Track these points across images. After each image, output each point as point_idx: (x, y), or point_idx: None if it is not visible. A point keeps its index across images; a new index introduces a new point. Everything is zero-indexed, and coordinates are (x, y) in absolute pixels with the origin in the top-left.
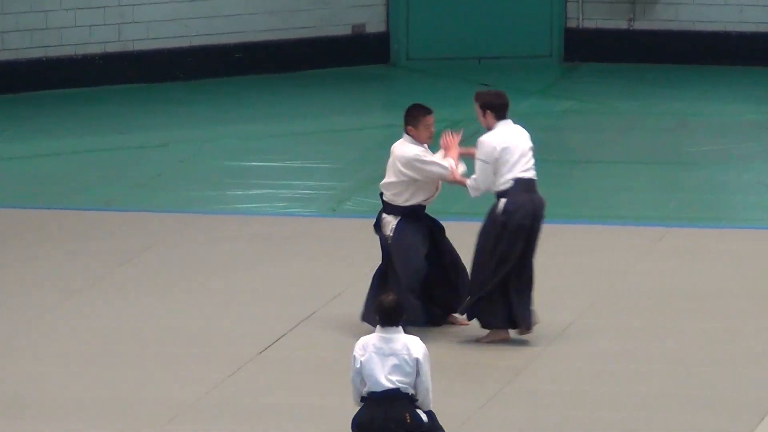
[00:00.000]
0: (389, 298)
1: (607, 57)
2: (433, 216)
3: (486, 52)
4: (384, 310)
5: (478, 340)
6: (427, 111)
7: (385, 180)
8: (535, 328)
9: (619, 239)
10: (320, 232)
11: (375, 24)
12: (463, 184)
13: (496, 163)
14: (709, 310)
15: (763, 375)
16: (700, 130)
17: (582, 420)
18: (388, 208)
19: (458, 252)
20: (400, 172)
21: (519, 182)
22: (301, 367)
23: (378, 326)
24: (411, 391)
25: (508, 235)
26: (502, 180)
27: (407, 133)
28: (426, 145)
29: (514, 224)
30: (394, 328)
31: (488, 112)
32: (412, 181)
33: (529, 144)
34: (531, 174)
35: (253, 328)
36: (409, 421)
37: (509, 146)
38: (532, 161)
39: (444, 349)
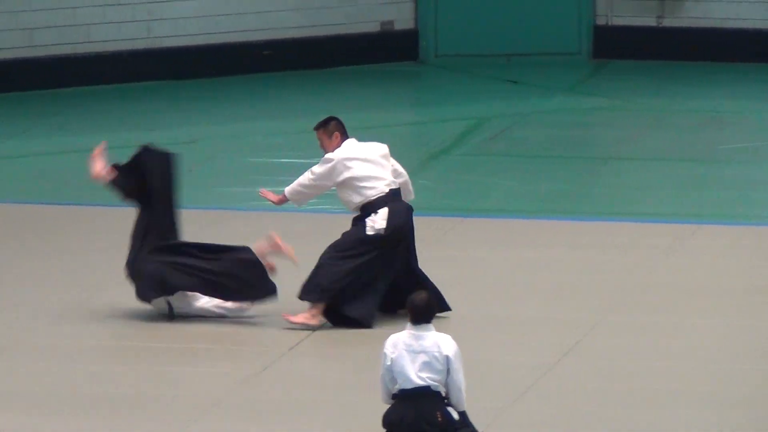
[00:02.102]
0: (420, 295)
1: (636, 54)
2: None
3: (515, 49)
4: (415, 307)
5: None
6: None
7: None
8: (565, 326)
9: (649, 236)
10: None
11: (403, 21)
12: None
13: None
14: (739, 307)
15: None
16: (729, 128)
17: (609, 417)
18: None
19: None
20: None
21: None
22: (331, 364)
23: (409, 323)
24: (442, 390)
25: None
26: None
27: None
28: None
29: None
30: (425, 325)
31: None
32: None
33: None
34: None
35: (282, 325)
36: (440, 419)
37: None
38: None
39: (473, 346)
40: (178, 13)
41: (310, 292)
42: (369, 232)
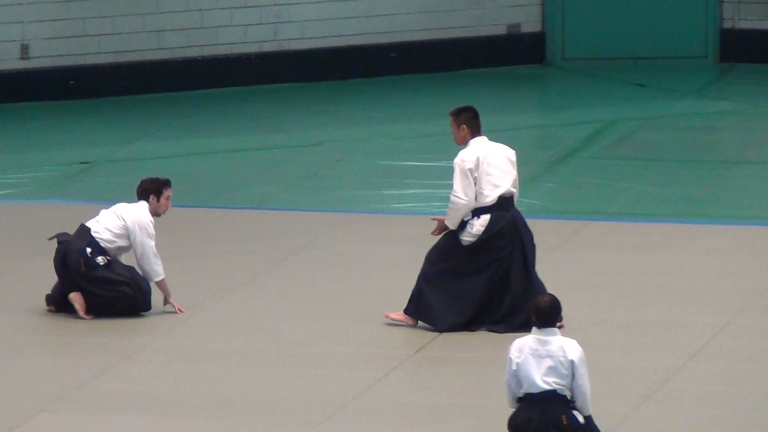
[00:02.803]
0: (545, 299)
1: (763, 58)
2: None
3: (641, 52)
4: (540, 310)
5: None
6: None
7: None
8: (691, 329)
9: None
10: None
11: (530, 24)
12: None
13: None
14: None
15: None
16: None
17: (736, 421)
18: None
19: None
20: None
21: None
22: (456, 367)
23: (534, 327)
24: (567, 393)
25: None
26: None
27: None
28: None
29: None
30: (550, 329)
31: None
32: None
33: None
34: None
35: (408, 328)
36: (565, 422)
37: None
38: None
39: (598, 350)
40: (305, 16)
41: (410, 303)
42: (464, 237)
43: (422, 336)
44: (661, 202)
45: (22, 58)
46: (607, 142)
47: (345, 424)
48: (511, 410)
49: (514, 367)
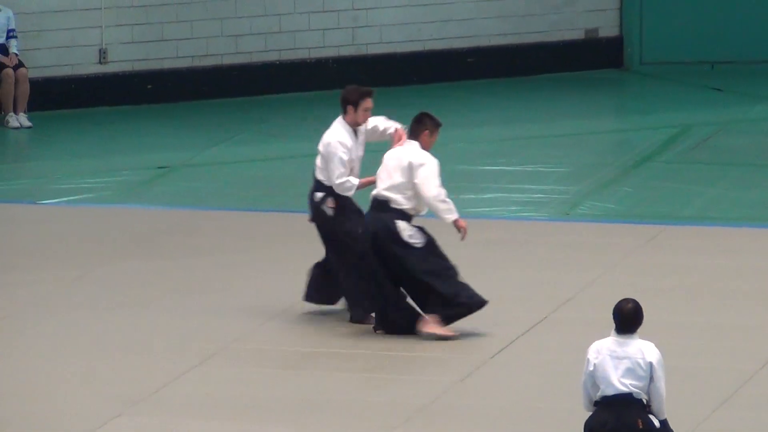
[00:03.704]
0: (629, 305)
1: None
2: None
3: (719, 56)
4: (623, 316)
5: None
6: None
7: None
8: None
9: None
10: (553, 236)
11: (608, 28)
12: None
13: None
14: None
15: None
16: None
17: None
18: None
19: None
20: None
21: None
22: (532, 371)
23: (613, 331)
24: (644, 397)
25: None
26: None
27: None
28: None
29: None
30: (630, 335)
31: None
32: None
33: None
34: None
35: (485, 332)
36: (641, 426)
37: None
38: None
39: (675, 353)
40: (383, 20)
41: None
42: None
43: (497, 342)
44: (738, 206)
45: (101, 63)
46: (684, 147)
47: (421, 427)
48: (587, 414)
49: (591, 368)
